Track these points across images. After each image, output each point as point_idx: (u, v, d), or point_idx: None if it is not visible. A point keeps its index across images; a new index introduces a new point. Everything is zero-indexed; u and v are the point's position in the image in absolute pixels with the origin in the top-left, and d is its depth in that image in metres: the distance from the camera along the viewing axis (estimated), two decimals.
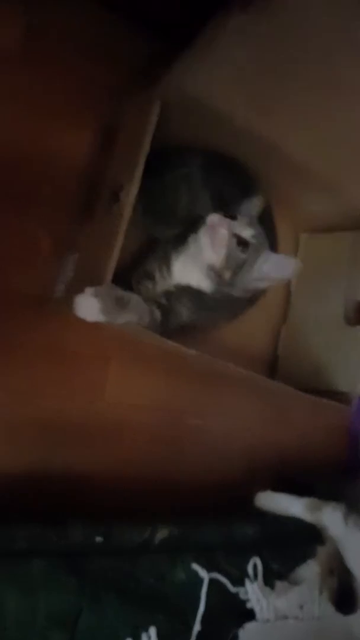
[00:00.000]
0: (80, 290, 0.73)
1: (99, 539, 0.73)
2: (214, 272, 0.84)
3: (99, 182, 0.89)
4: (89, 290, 0.72)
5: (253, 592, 0.81)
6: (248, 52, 0.73)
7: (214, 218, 0.81)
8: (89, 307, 0.72)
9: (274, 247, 1.00)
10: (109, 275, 0.73)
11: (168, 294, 0.86)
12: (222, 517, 0.87)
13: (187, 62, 0.78)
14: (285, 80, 0.78)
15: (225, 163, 0.95)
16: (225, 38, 0.72)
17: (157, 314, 0.83)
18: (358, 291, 1.05)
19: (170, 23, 0.95)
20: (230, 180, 0.94)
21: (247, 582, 0.81)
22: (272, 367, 1.12)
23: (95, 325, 0.74)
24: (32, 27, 0.90)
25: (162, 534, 0.78)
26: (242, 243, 0.82)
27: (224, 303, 0.90)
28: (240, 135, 0.88)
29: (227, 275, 0.83)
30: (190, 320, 0.87)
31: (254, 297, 0.99)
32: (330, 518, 0.90)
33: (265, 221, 1.00)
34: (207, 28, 0.74)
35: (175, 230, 0.90)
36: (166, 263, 0.87)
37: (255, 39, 0.71)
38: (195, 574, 0.77)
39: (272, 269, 0.85)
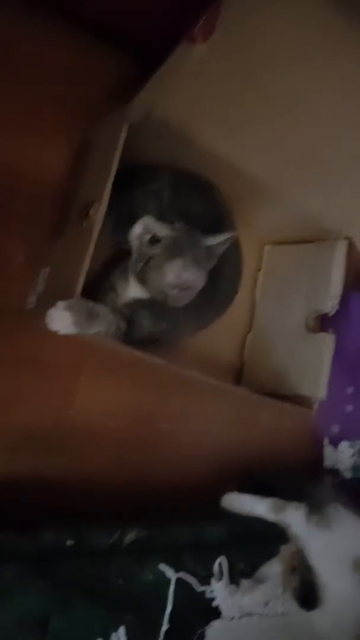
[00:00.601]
0: (52, 303, 0.75)
1: (69, 542, 0.76)
2: None
3: (70, 198, 0.91)
4: (61, 304, 0.75)
5: (219, 591, 0.85)
6: (209, 79, 0.78)
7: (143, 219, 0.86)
8: (61, 320, 0.75)
9: (237, 257, 1.05)
10: (79, 289, 0.76)
11: (130, 306, 0.89)
12: (189, 518, 0.90)
13: (153, 87, 0.82)
14: (245, 104, 0.83)
15: (193, 181, 0.98)
16: (188, 66, 0.76)
17: (122, 324, 0.85)
18: (318, 300, 1.09)
19: (142, 44, 0.99)
20: (198, 197, 0.97)
21: (213, 581, 0.84)
22: (239, 373, 1.16)
23: (66, 336, 0.77)
24: (5, 45, 0.93)
25: (130, 536, 0.81)
26: (154, 240, 0.85)
27: (187, 315, 0.93)
28: (205, 155, 0.93)
29: (138, 268, 0.86)
30: (152, 331, 0.90)
31: (221, 308, 1.03)
32: (293, 518, 0.94)
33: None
34: (171, 55, 0.78)
35: None
36: (125, 277, 0.90)
37: (215, 67, 0.76)
38: (163, 574, 0.80)
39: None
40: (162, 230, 0.86)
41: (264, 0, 0.68)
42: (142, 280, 0.87)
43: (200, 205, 0.97)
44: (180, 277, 0.86)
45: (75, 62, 0.99)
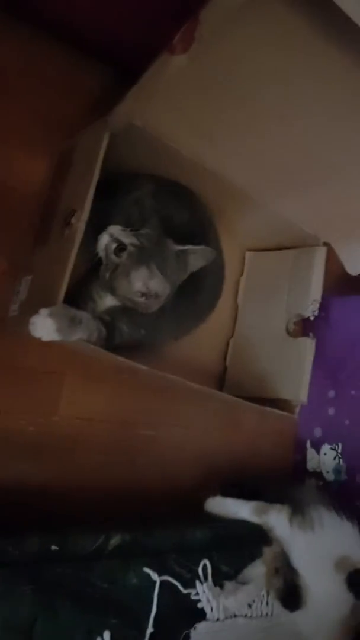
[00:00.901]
0: (34, 310, 0.76)
1: (54, 547, 0.76)
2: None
3: (52, 207, 0.92)
4: (44, 311, 0.75)
5: (203, 593, 0.85)
6: (189, 89, 0.79)
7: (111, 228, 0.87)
8: (44, 327, 0.75)
9: (219, 264, 1.06)
10: (61, 296, 0.77)
11: (109, 312, 0.89)
12: (173, 522, 0.91)
13: (134, 96, 0.83)
14: (223, 114, 0.85)
15: (174, 188, 1.00)
16: (168, 76, 0.77)
17: (103, 330, 0.86)
18: (299, 305, 1.11)
19: (121, 56, 1.00)
20: (180, 205, 0.99)
21: (198, 584, 0.85)
22: (221, 378, 1.18)
23: (49, 343, 0.77)
24: None
25: (115, 540, 0.81)
26: (120, 248, 0.86)
27: (167, 321, 0.94)
28: (186, 163, 0.94)
29: (106, 275, 0.87)
30: (132, 337, 0.91)
31: (203, 314, 1.04)
32: (276, 520, 0.95)
33: (212, 241, 1.05)
34: (151, 66, 0.79)
35: None
36: (102, 286, 0.90)
37: (195, 77, 0.77)
38: (147, 577, 0.81)
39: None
40: (128, 238, 0.87)
41: (241, 12, 0.69)
42: (111, 288, 0.88)
43: (182, 212, 0.98)
44: (147, 285, 0.86)
45: (55, 74, 1.00)
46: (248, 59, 0.76)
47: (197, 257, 0.92)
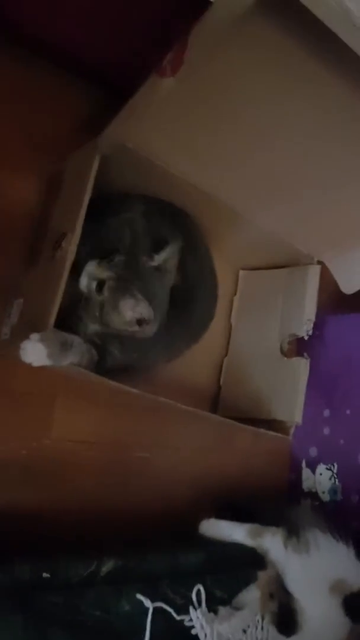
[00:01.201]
0: (25, 334, 0.75)
1: (45, 575, 0.75)
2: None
3: (43, 229, 0.92)
4: (34, 336, 0.75)
5: (197, 619, 0.84)
6: (178, 111, 0.80)
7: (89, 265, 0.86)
8: (35, 352, 0.75)
9: (212, 283, 1.06)
10: (52, 320, 0.77)
11: (100, 336, 0.88)
12: (166, 546, 0.90)
13: (124, 118, 0.83)
14: (213, 135, 0.85)
15: (166, 208, 1.00)
16: (157, 98, 0.77)
17: (95, 353, 0.86)
18: (292, 324, 1.11)
19: (111, 76, 1.01)
20: (171, 225, 0.99)
21: (191, 609, 0.84)
22: (215, 398, 1.17)
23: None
24: None
25: (107, 566, 0.80)
26: (101, 285, 0.86)
27: (159, 344, 0.94)
28: (177, 183, 0.94)
29: (96, 313, 0.87)
30: (124, 360, 0.90)
31: (196, 335, 1.03)
32: (271, 543, 0.94)
33: (204, 260, 1.05)
34: (141, 88, 0.80)
35: None
36: (90, 308, 0.89)
37: (184, 99, 0.77)
38: (140, 604, 0.79)
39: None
40: (104, 272, 0.86)
41: (230, 34, 0.69)
42: (105, 325, 0.88)
43: (174, 233, 0.98)
44: (137, 312, 0.86)
45: (44, 95, 1.00)
46: (237, 81, 0.77)
47: (171, 257, 0.92)
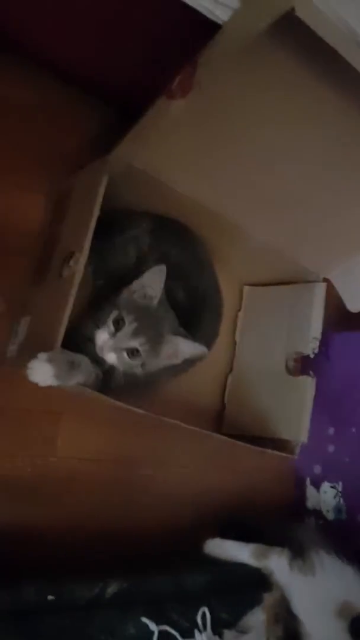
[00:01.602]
0: (32, 353, 0.75)
1: (50, 597, 0.74)
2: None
3: (50, 246, 0.92)
4: (42, 356, 0.74)
5: None
6: (186, 132, 0.80)
7: (99, 340, 0.85)
8: (42, 372, 0.74)
9: (216, 300, 1.06)
10: (59, 339, 0.76)
11: None
12: (171, 566, 0.89)
13: (133, 139, 0.84)
14: (220, 155, 0.86)
15: (172, 226, 1.00)
16: (166, 120, 0.78)
17: (100, 373, 0.85)
18: (298, 342, 1.10)
19: (122, 95, 1.02)
20: (177, 242, 0.99)
21: (197, 633, 0.83)
22: (220, 415, 1.16)
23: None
24: None
25: (112, 588, 0.79)
26: (132, 352, 0.85)
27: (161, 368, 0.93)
28: (183, 202, 0.94)
29: (137, 370, 0.87)
30: (128, 382, 0.89)
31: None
32: (277, 564, 0.93)
33: (209, 277, 1.05)
34: (150, 109, 0.80)
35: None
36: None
37: (193, 121, 0.78)
38: (145, 627, 0.79)
39: (183, 350, 0.90)
40: (130, 342, 0.85)
41: (240, 57, 0.70)
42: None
43: (179, 249, 0.98)
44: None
45: (54, 112, 1.01)
46: (245, 103, 0.78)
47: (150, 283, 0.90)
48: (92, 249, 0.82)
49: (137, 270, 0.91)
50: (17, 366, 0.85)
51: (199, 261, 1.03)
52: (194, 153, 0.85)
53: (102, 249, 0.88)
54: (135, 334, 0.85)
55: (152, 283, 0.87)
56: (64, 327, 0.77)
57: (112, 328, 0.85)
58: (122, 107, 1.02)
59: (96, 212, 0.82)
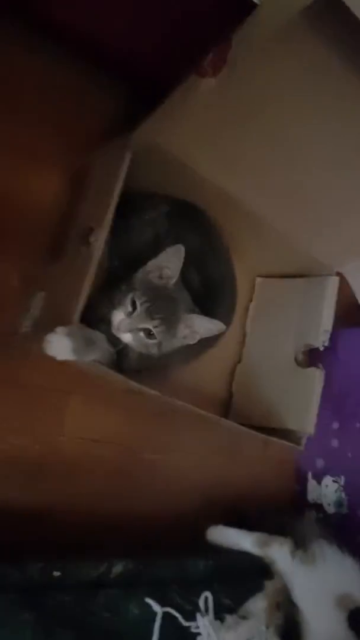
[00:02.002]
0: (48, 328, 0.74)
1: (56, 573, 0.74)
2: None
3: (68, 223, 0.91)
4: (61, 329, 0.74)
5: (204, 626, 0.83)
6: (214, 113, 0.79)
7: (115, 319, 0.84)
8: (60, 346, 0.74)
9: (231, 287, 1.06)
10: (77, 315, 0.76)
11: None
12: (175, 551, 0.89)
13: (159, 116, 0.83)
14: (246, 140, 0.85)
15: (189, 211, 0.99)
16: (195, 98, 0.77)
17: (114, 353, 0.85)
18: (308, 335, 1.10)
19: (145, 75, 1.00)
20: (194, 227, 0.98)
21: (199, 616, 0.83)
22: (227, 404, 1.16)
23: (57, 361, 0.76)
24: (4, 74, 0.93)
25: (117, 568, 0.79)
26: (149, 332, 0.84)
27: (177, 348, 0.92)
28: (203, 186, 0.93)
29: (152, 350, 0.86)
30: (140, 364, 0.89)
31: (213, 340, 1.02)
32: (279, 553, 0.93)
33: (225, 262, 1.05)
34: (179, 87, 0.79)
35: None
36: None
37: (222, 101, 0.77)
38: (149, 608, 0.78)
39: (201, 328, 0.89)
40: (146, 323, 0.84)
41: (271, 40, 0.69)
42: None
43: (197, 235, 0.97)
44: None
45: (71, 91, 0.99)
46: (277, 91, 0.77)
47: (167, 264, 0.89)
48: (109, 231, 0.81)
49: (153, 252, 0.90)
50: (31, 341, 0.84)
51: (215, 249, 1.02)
52: (219, 136, 0.84)
53: (118, 229, 0.87)
54: (152, 313, 0.84)
55: (169, 263, 0.87)
56: (82, 303, 0.76)
57: (129, 308, 0.84)
58: (145, 87, 1.00)
59: (118, 189, 0.81)
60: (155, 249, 0.91)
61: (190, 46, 0.79)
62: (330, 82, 0.74)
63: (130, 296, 0.84)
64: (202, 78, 0.75)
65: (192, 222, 0.99)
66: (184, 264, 0.87)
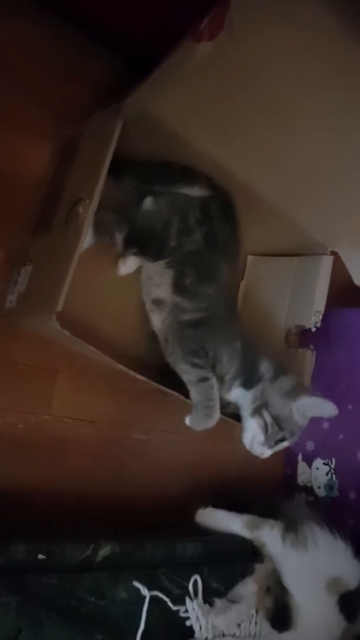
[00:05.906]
0: (35, 305, 0.72)
1: (41, 556, 0.71)
2: None
3: (55, 194, 0.88)
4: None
5: (193, 610, 0.81)
6: (209, 80, 0.76)
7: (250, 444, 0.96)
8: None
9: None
10: (65, 290, 0.73)
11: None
12: (164, 534, 0.87)
13: (152, 83, 0.79)
14: (242, 111, 0.82)
15: (224, 201, 0.98)
16: (191, 64, 0.74)
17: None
18: (300, 315, 1.08)
19: (135, 43, 0.97)
20: (226, 220, 0.98)
21: (188, 600, 0.81)
22: None
23: (44, 339, 0.73)
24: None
25: (104, 551, 0.77)
26: (278, 425, 0.93)
27: None
28: (197, 156, 0.91)
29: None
30: None
31: None
32: (269, 536, 0.92)
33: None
34: (174, 52, 0.76)
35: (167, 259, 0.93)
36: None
37: (217, 68, 0.74)
38: (137, 592, 0.76)
39: (312, 409, 0.96)
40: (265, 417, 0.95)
41: (275, 8, 0.66)
42: None
43: (225, 226, 0.99)
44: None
45: (62, 59, 0.97)
46: (277, 57, 0.74)
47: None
48: (123, 214, 0.83)
49: (180, 241, 0.92)
50: (16, 317, 0.81)
51: (237, 240, 1.03)
52: (213, 104, 0.82)
53: (135, 215, 0.89)
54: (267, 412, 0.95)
55: (306, 413, 0.96)
56: (70, 277, 0.73)
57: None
58: (136, 57, 0.97)
59: (109, 158, 0.78)
60: (180, 235, 0.92)
61: (187, 15, 0.76)
62: (332, 48, 0.71)
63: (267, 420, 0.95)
64: (199, 42, 0.72)
65: (224, 214, 0.99)
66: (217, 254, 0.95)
